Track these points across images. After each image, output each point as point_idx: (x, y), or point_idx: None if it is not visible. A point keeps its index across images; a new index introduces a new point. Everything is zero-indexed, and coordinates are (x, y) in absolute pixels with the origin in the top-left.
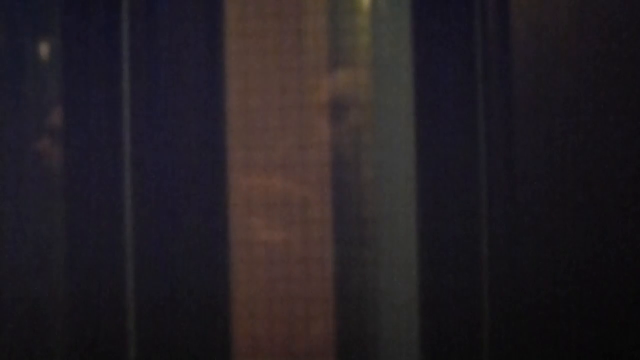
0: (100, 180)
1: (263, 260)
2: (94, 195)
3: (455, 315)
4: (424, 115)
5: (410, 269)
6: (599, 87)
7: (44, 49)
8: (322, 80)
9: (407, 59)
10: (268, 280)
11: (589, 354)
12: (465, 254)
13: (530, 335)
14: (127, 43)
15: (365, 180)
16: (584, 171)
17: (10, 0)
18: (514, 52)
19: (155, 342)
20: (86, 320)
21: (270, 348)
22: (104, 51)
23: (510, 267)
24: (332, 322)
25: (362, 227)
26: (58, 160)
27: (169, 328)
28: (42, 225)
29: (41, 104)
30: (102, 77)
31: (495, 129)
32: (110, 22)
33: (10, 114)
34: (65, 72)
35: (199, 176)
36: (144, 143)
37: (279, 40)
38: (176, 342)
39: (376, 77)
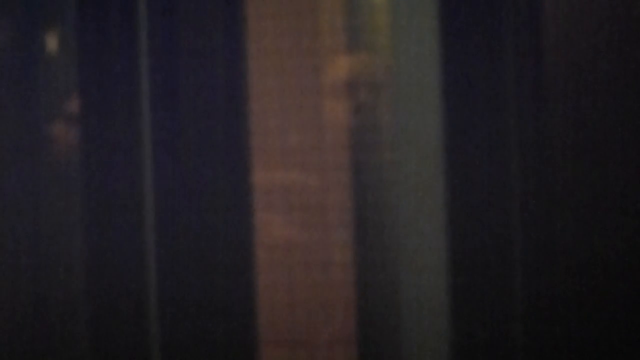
0: (120, 182)
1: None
2: (114, 197)
3: (487, 322)
4: (451, 100)
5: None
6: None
7: (59, 41)
8: (339, 63)
9: (433, 41)
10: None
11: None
12: (497, 252)
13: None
14: (145, 33)
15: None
16: (622, 170)
17: None
18: (545, 31)
19: (178, 343)
20: (108, 319)
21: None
22: (121, 44)
23: (543, 268)
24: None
25: (382, 214)
26: (77, 162)
27: (191, 328)
28: (60, 227)
29: (58, 96)
30: (120, 71)
31: (527, 111)
32: (127, 15)
33: (27, 107)
34: (82, 67)
35: (220, 170)
36: (164, 141)
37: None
38: (200, 342)
39: (399, 59)
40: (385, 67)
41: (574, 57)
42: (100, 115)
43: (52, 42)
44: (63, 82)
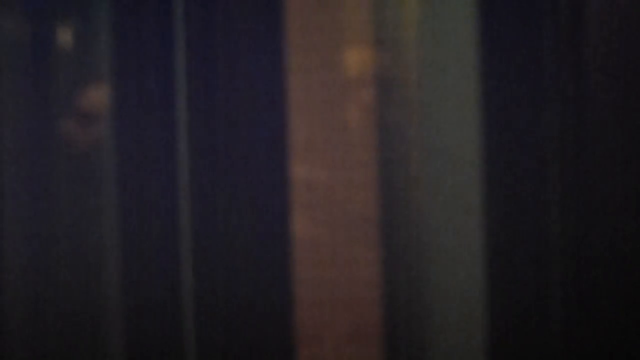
0: (155, 183)
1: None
2: (148, 195)
3: (524, 318)
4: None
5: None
6: None
7: (95, 38)
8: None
9: (472, 34)
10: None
11: None
12: (534, 249)
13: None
14: (182, 28)
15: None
16: None
17: None
18: (589, 27)
19: (213, 342)
20: (143, 314)
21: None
22: (157, 41)
23: (580, 265)
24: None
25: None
26: (113, 157)
27: (226, 324)
28: (95, 222)
29: (93, 90)
30: (156, 68)
31: (566, 108)
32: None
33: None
34: (119, 62)
35: (258, 168)
36: (200, 141)
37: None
38: (235, 339)
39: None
40: (419, 63)
41: (617, 53)
42: (135, 110)
43: (84, 36)
44: (95, 76)
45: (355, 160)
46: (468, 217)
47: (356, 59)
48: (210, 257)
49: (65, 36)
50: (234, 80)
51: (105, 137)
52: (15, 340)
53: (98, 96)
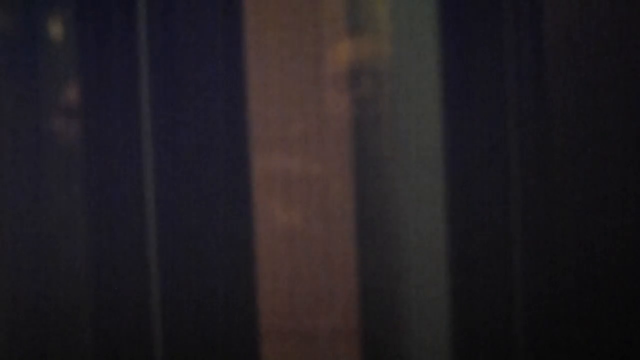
0: (120, 174)
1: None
2: (114, 188)
3: (488, 313)
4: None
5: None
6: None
7: (59, 30)
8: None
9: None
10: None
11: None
12: (496, 239)
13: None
14: (144, 18)
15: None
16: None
17: None
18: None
19: (181, 337)
20: (110, 306)
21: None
22: (120, 32)
23: (543, 260)
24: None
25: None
26: (78, 155)
27: (194, 313)
28: (60, 209)
29: (58, 85)
30: (119, 60)
31: (527, 97)
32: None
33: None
34: (83, 53)
35: (220, 158)
36: (164, 129)
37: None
38: (203, 331)
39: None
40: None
41: (575, 55)
42: (99, 107)
43: (52, 33)
44: (61, 75)
45: (329, 153)
46: (433, 209)
47: (329, 52)
48: (177, 255)
49: (34, 33)
50: (196, 73)
51: (71, 134)
52: None
53: (64, 93)
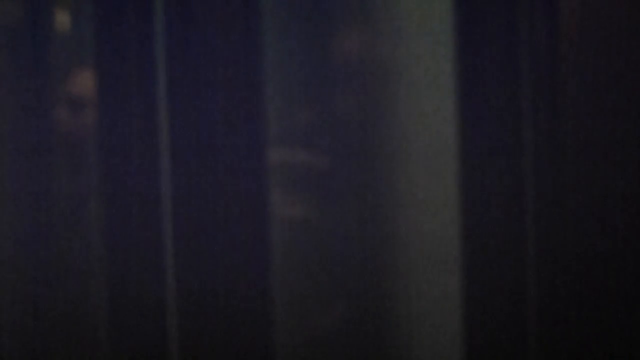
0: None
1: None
2: (129, 184)
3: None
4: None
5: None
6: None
7: (73, 27)
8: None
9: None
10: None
11: None
12: (510, 245)
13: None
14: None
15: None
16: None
17: None
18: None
19: (197, 334)
20: (125, 300)
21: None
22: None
23: (556, 268)
24: None
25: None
26: (94, 149)
27: (210, 312)
28: (74, 204)
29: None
30: (134, 51)
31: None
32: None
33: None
34: (100, 46)
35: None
36: (180, 125)
37: None
38: (217, 329)
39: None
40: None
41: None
42: (115, 100)
43: (67, 24)
44: (76, 68)
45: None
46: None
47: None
48: (195, 250)
49: (49, 22)
50: (213, 67)
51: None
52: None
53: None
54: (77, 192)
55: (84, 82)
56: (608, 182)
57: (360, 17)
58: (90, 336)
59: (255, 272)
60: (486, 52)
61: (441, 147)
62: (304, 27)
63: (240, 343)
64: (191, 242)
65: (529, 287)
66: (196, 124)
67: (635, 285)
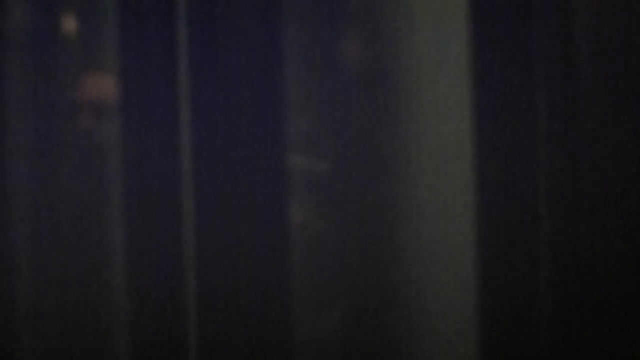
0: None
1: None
2: (151, 185)
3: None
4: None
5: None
6: None
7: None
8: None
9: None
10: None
11: None
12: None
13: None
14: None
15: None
16: None
17: None
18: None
19: (216, 335)
20: (146, 302)
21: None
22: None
23: (569, 262)
24: None
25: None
26: (115, 151)
27: (229, 314)
28: (96, 205)
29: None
30: (158, 52)
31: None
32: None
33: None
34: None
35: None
36: (202, 128)
37: None
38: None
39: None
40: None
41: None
42: (138, 101)
43: (91, 26)
44: (99, 69)
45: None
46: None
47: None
48: (212, 254)
49: (71, 26)
50: (236, 74)
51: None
52: (19, 340)
53: (103, 89)
54: (99, 192)
55: (106, 85)
56: (623, 185)
57: (376, 22)
58: (110, 334)
59: (275, 272)
60: (500, 54)
61: (456, 150)
62: (324, 29)
63: (259, 342)
64: (211, 240)
65: (542, 292)
66: (217, 124)
67: None
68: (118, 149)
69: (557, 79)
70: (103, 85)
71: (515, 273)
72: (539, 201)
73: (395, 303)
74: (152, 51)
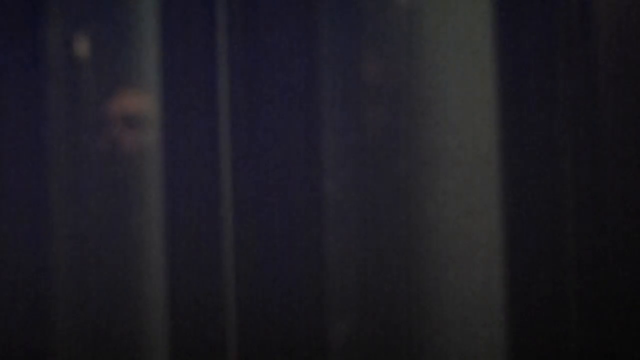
0: (197, 181)
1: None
2: (191, 194)
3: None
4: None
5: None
6: None
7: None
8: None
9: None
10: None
11: None
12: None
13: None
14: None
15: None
16: None
17: None
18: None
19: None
20: (186, 308)
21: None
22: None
23: (597, 264)
24: None
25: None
26: (157, 163)
27: (266, 320)
28: (137, 214)
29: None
30: (198, 68)
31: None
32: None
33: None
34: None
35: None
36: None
37: None
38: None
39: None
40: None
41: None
42: (178, 112)
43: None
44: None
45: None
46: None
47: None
48: (251, 261)
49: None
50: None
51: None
52: (59, 337)
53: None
54: (139, 197)
55: (146, 102)
56: None
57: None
58: (150, 333)
59: (311, 273)
60: (524, 62)
61: (482, 156)
62: (354, 46)
63: (295, 342)
64: (250, 245)
65: (569, 293)
66: (256, 131)
67: None
68: (158, 164)
69: (581, 89)
70: (142, 102)
71: (542, 275)
72: (566, 204)
73: (421, 305)
74: (192, 70)
